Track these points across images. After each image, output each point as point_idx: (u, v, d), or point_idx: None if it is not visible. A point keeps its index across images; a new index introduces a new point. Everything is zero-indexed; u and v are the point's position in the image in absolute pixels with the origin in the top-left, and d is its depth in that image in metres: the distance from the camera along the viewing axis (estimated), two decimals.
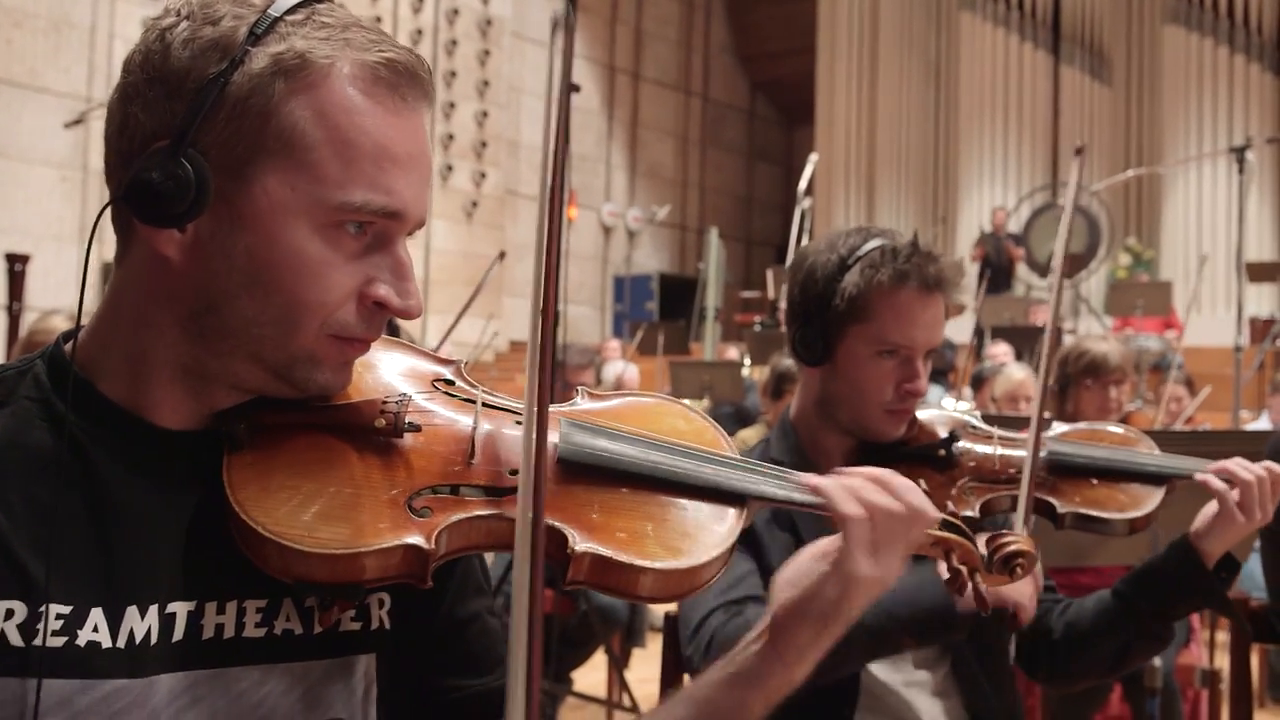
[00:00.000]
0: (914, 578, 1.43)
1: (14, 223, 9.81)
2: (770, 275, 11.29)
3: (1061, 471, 1.62)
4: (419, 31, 13.44)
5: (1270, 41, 12.44)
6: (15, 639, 0.79)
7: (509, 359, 13.06)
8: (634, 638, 4.45)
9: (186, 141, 0.81)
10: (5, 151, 9.98)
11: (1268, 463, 1.56)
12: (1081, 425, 1.83)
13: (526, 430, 0.72)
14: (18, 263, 6.33)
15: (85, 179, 10.40)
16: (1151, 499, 1.60)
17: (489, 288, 14.25)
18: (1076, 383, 3.55)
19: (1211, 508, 1.57)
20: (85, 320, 0.91)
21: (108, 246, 0.94)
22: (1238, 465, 1.55)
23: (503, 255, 4.23)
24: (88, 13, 10.56)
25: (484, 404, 0.95)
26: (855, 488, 0.93)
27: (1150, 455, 1.66)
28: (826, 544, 0.96)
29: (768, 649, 0.95)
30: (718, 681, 0.95)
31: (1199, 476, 1.57)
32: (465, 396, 0.96)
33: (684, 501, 0.93)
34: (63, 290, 9.45)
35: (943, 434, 1.64)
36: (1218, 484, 1.55)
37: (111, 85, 0.89)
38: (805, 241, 6.10)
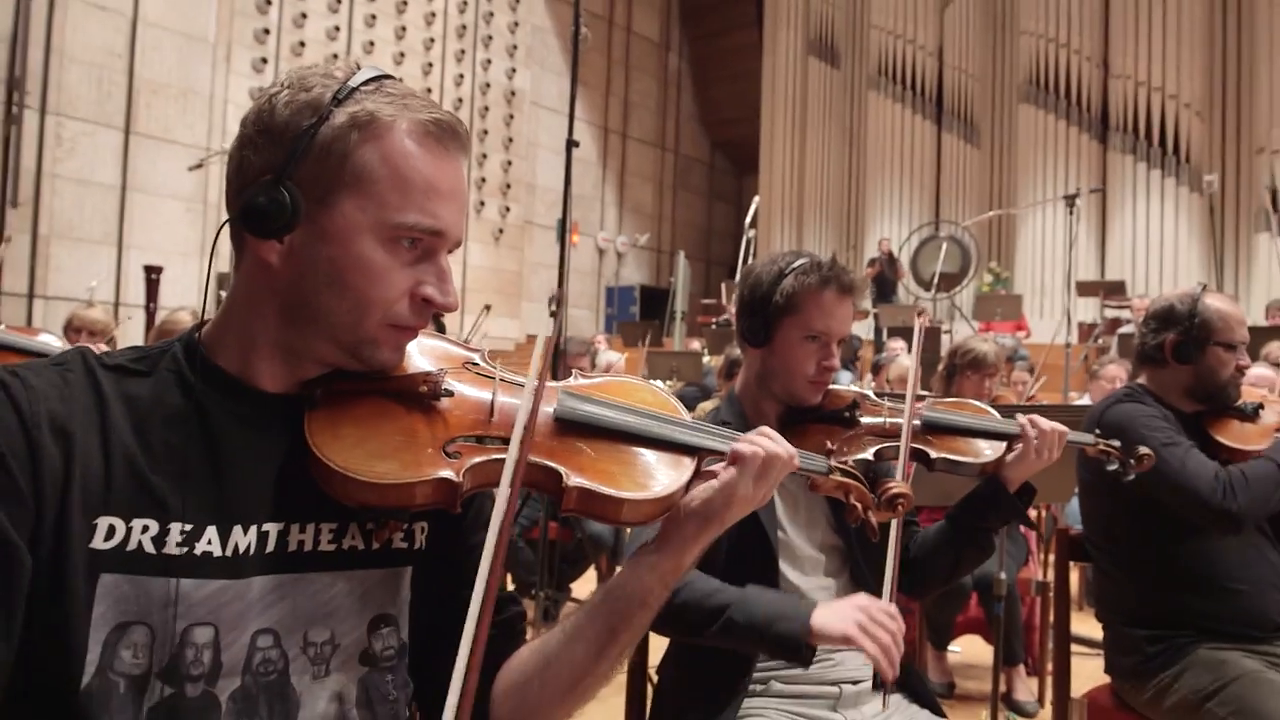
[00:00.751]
0: (788, 603, 1.40)
1: (150, 242, 9.69)
2: (724, 287, 11.30)
3: (933, 430, 1.65)
4: (459, 100, 13.30)
5: (1096, 117, 12.51)
6: (150, 548, 0.79)
7: (526, 348, 12.99)
8: (616, 558, 4.44)
9: (286, 175, 0.82)
10: (145, 188, 9.85)
11: (1058, 424, 1.64)
12: (948, 399, 1.85)
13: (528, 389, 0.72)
14: (154, 273, 6.26)
15: (205, 209, 10.26)
16: (997, 449, 1.64)
17: (512, 296, 14.04)
18: (960, 372, 3.51)
19: (1016, 448, 1.63)
20: (206, 311, 0.90)
21: (221, 260, 0.94)
22: (1038, 419, 1.62)
23: (488, 307, 4.33)
24: (207, 84, 10.44)
25: (501, 379, 0.95)
26: (754, 436, 0.95)
27: (995, 419, 1.69)
28: (718, 467, 0.95)
29: (660, 540, 0.94)
30: (624, 570, 0.95)
31: (1020, 418, 1.64)
32: (487, 374, 0.97)
33: (650, 451, 0.93)
34: (186, 294, 9.31)
35: (848, 402, 1.66)
36: (1029, 431, 1.62)
37: (225, 138, 0.90)
38: (751, 261, 6.11)
